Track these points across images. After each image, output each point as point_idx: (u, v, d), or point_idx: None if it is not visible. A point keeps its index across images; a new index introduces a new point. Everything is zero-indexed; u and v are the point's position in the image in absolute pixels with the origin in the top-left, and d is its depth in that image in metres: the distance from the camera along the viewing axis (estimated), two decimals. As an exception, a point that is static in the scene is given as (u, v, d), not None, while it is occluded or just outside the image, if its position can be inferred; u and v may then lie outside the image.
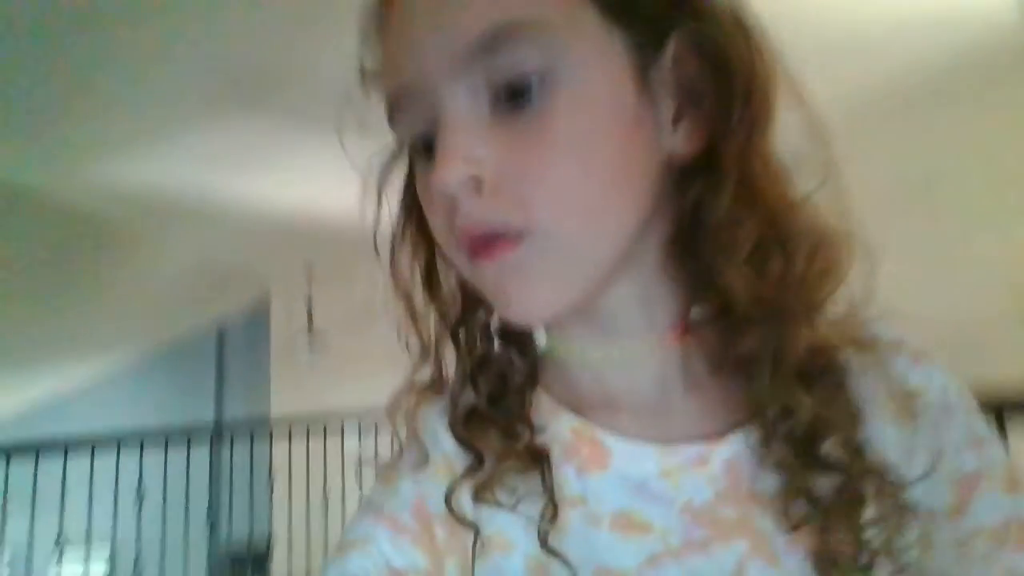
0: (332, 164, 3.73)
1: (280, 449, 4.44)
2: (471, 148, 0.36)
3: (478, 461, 0.43)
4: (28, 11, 2.33)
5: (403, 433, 0.47)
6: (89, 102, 2.90)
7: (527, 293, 0.38)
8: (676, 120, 0.40)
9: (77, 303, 4.71)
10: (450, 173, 0.36)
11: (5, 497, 3.55)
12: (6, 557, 5.56)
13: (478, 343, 0.48)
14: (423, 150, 0.40)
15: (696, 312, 0.44)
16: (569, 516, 0.41)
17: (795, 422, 0.39)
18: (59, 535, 3.69)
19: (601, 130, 0.37)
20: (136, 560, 3.87)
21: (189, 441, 4.20)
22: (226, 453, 4.67)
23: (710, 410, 0.44)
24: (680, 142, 0.40)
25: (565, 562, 0.40)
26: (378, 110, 0.43)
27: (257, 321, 5.94)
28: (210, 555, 4.89)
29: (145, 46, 2.63)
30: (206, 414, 5.58)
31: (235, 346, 6.05)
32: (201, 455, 4.32)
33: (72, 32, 2.48)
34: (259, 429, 4.92)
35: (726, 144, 0.39)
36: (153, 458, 3.94)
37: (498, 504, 0.42)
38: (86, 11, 2.38)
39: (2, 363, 5.35)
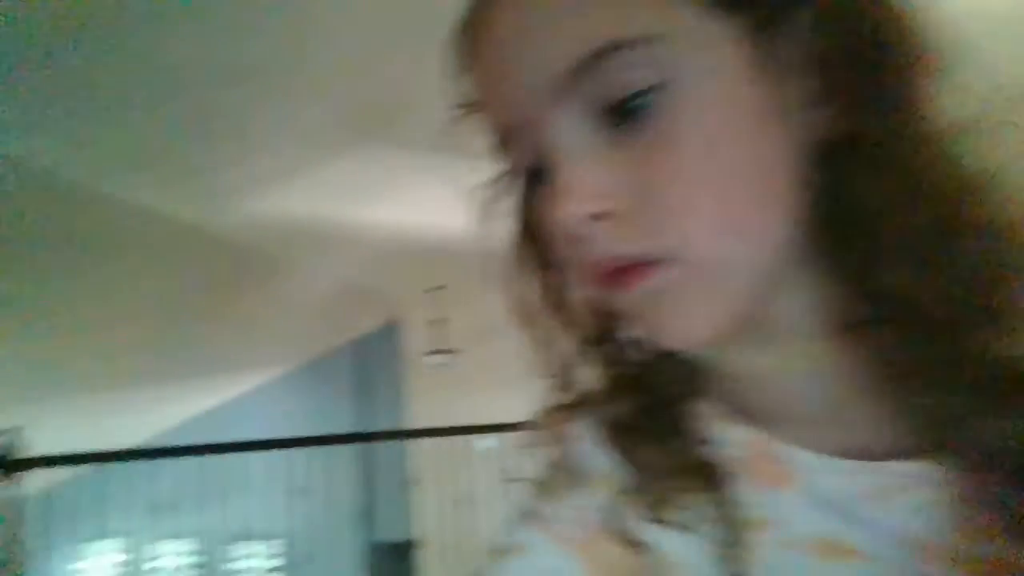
0: (456, 189, 3.88)
1: (419, 458, 4.67)
2: (592, 182, 0.34)
3: (642, 478, 0.40)
4: (187, 73, 2.68)
5: (551, 453, 0.45)
6: (240, 146, 3.25)
7: (680, 318, 0.35)
8: (812, 103, 0.35)
9: (229, 326, 5.25)
10: (573, 209, 0.34)
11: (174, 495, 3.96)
12: (189, 546, 6.32)
13: (623, 353, 0.45)
14: (537, 178, 0.38)
15: (862, 313, 0.38)
16: (756, 540, 0.38)
17: (1009, 447, 0.34)
18: (227, 528, 4.09)
19: (729, 133, 0.34)
20: (289, 551, 4.21)
21: (339, 443, 4.50)
22: (375, 459, 5.00)
23: (892, 423, 0.38)
24: (819, 126, 0.36)
25: None
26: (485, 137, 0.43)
27: (394, 338, 6.32)
28: (365, 548, 5.22)
29: (286, 93, 2.93)
30: (349, 425, 6.02)
31: (375, 362, 6.47)
32: (351, 460, 4.63)
33: (225, 86, 2.81)
34: (397, 438, 5.22)
35: (874, 121, 0.35)
36: (304, 461, 4.28)
37: (671, 524, 0.39)
38: (236, 68, 2.69)
39: (167, 380, 6.07)
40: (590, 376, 0.46)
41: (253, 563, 6.34)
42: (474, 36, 0.38)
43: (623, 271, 0.35)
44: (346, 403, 6.37)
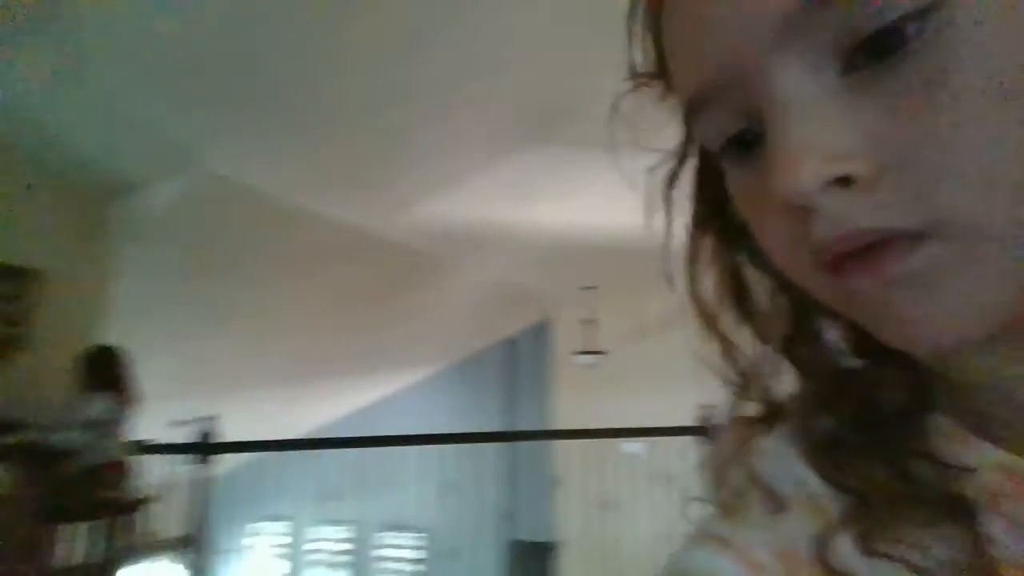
0: (616, 187, 3.89)
1: (564, 457, 4.69)
2: (831, 139, 0.27)
3: (861, 503, 0.34)
4: (363, 97, 2.86)
5: (739, 470, 0.40)
6: (408, 156, 3.42)
7: (935, 313, 0.28)
8: None
9: (394, 325, 5.54)
10: (804, 175, 0.27)
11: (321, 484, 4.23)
12: (347, 532, 6.74)
13: (827, 356, 0.39)
14: (737, 150, 0.32)
15: None
16: None
17: None
18: (381, 517, 4.32)
19: (1021, 57, 0.26)
20: (434, 544, 4.37)
21: (490, 441, 4.62)
22: (518, 457, 5.08)
23: None
24: None
25: None
26: (650, 121, 0.38)
27: (543, 338, 6.39)
28: (506, 546, 5.33)
29: (450, 103, 3.03)
30: (496, 423, 6.16)
31: (523, 360, 6.57)
32: (496, 458, 4.73)
33: (392, 103, 2.98)
34: (542, 436, 5.27)
35: None
36: (453, 456, 4.43)
37: (898, 560, 0.33)
38: (401, 85, 2.84)
39: (344, 374, 6.50)
40: (784, 382, 0.39)
41: (401, 552, 6.67)
42: None
43: (868, 250, 0.28)
44: (496, 401, 6.52)
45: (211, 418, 3.85)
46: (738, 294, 0.40)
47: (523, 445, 5.22)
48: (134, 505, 3.96)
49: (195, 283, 4.21)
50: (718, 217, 0.38)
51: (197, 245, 3.93)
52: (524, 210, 4.15)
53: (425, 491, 4.37)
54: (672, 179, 0.39)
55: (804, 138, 0.27)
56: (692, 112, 0.33)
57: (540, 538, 5.85)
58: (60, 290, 3.77)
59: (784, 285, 0.38)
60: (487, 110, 3.14)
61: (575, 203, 4.00)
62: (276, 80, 2.75)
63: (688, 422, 4.81)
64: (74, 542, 3.48)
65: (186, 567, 3.99)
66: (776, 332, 0.39)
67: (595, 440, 4.56)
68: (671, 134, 0.37)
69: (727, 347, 0.40)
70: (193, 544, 3.92)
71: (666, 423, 4.74)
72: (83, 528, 3.56)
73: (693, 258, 0.40)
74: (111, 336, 3.78)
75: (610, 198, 3.41)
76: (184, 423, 4.01)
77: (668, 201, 0.40)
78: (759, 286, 0.40)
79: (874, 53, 0.26)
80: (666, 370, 6.47)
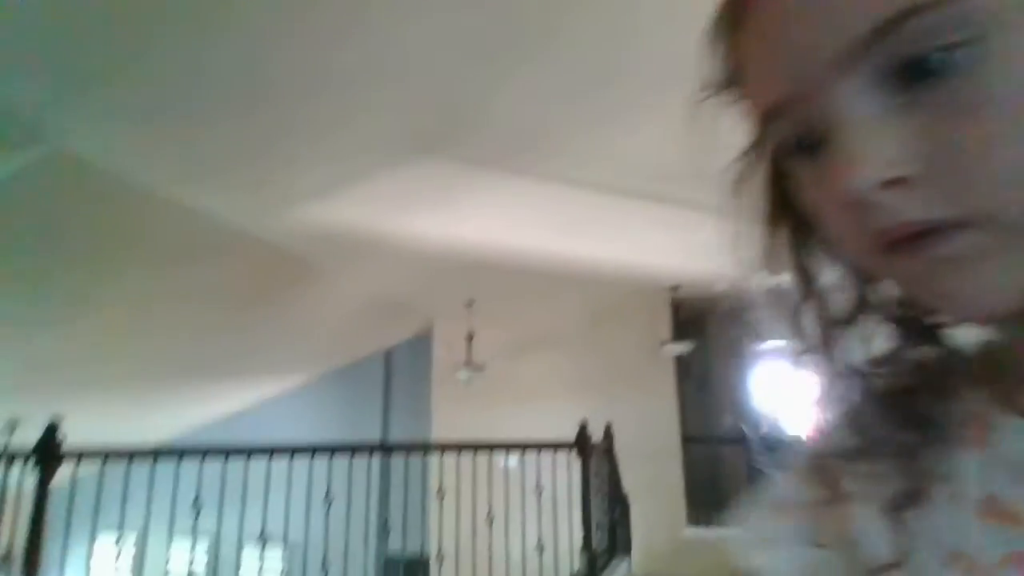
0: (502, 205, 3.95)
1: (441, 468, 4.66)
2: (885, 148, 0.33)
3: (899, 464, 0.41)
4: (245, 84, 2.72)
5: (802, 442, 0.47)
6: (293, 156, 3.30)
7: (972, 287, 0.34)
8: None
9: (268, 328, 5.30)
10: (863, 176, 0.33)
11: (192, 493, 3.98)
12: (202, 546, 6.31)
13: (884, 336, 0.44)
14: (805, 153, 0.37)
15: None
16: (933, 494, 0.38)
17: None
18: (241, 531, 4.11)
19: None
20: (306, 557, 4.21)
21: (366, 453, 4.50)
22: (393, 468, 5.00)
23: None
24: None
25: (905, 535, 0.38)
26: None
27: (421, 349, 6.34)
28: (379, 560, 5.21)
29: (344, 106, 2.96)
30: (373, 431, 6.03)
31: (400, 371, 6.49)
32: (371, 470, 4.62)
33: (281, 99, 2.86)
34: (421, 449, 5.21)
35: None
36: (325, 467, 4.27)
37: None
38: (292, 82, 2.73)
39: (207, 379, 6.13)
40: (843, 359, 0.45)
41: (263, 569, 6.31)
42: (749, 6, 0.37)
43: (916, 236, 0.34)
44: (372, 412, 6.38)
45: (53, 421, 3.49)
46: (807, 276, 0.44)
47: (399, 457, 5.14)
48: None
49: (42, 269, 3.81)
50: (785, 211, 0.43)
51: (44, 227, 3.55)
52: (408, 221, 4.11)
53: (293, 503, 4.18)
54: (742, 179, 0.44)
55: (862, 148, 0.33)
56: (766, 120, 0.38)
57: (415, 553, 5.76)
58: None
59: (846, 265, 0.43)
60: (380, 118, 3.10)
61: (459, 217, 4.02)
62: (154, 61, 2.55)
63: (561, 436, 4.95)
64: None
65: (15, 583, 3.59)
66: (840, 313, 0.44)
67: (472, 453, 4.57)
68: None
69: (796, 326, 0.44)
70: (23, 560, 3.53)
71: (540, 437, 4.85)
72: None
73: (766, 249, 0.44)
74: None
75: (493, 215, 3.46)
76: (17, 425, 3.61)
77: (738, 199, 0.44)
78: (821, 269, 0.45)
79: (920, 75, 0.32)
80: (541, 385, 6.67)
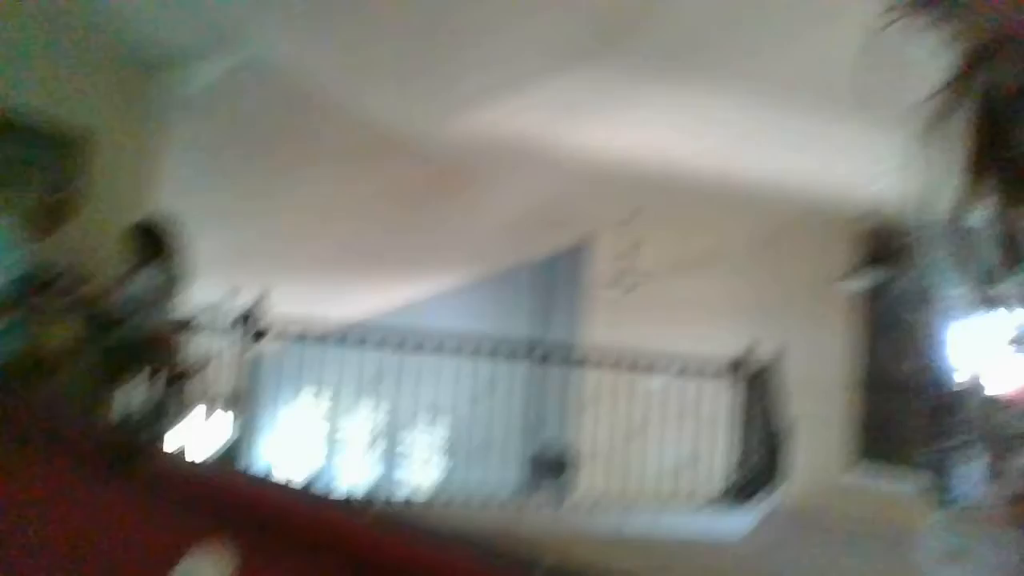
0: (675, 112, 3.73)
1: (591, 382, 4.76)
2: None
3: None
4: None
5: None
6: (466, 59, 3.30)
7: None
8: None
9: (432, 229, 5.56)
10: None
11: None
12: (380, 417, 7.12)
13: None
14: None
15: None
16: None
17: None
18: (410, 410, 4.53)
19: None
20: (458, 443, 4.57)
21: (522, 358, 4.72)
22: (547, 376, 5.20)
23: None
24: None
25: None
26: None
27: (578, 261, 6.35)
28: (525, 456, 5.56)
29: (515, 8, 2.88)
30: (528, 340, 6.26)
31: (560, 281, 6.57)
32: (526, 374, 4.84)
33: (457, 2, 2.83)
34: (573, 361, 5.35)
35: None
36: (485, 365, 4.53)
37: None
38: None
39: (377, 269, 6.63)
40: None
41: (427, 443, 7.05)
42: None
43: None
44: (529, 318, 6.60)
45: (257, 298, 4.00)
46: (1011, 230, 0.41)
47: (552, 365, 5.31)
48: (183, 374, 4.21)
49: (241, 163, 4.25)
50: (996, 156, 0.40)
51: (244, 126, 3.93)
52: (572, 129, 4.01)
53: (456, 395, 4.53)
54: (942, 115, 0.41)
55: None
56: (983, 54, 0.35)
57: (560, 455, 6.05)
58: (109, 159, 3.84)
59: None
60: (553, 18, 2.98)
61: (626, 126, 3.85)
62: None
63: (718, 360, 4.81)
64: (129, 403, 3.75)
65: (232, 431, 4.29)
66: None
67: (623, 369, 4.60)
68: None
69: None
70: (237, 412, 4.19)
71: (696, 359, 4.75)
72: (138, 391, 3.82)
73: (966, 193, 0.41)
74: (160, 209, 3.88)
75: (663, 123, 3.26)
76: (229, 300, 4.19)
77: (936, 137, 0.41)
78: None
79: None
80: (701, 307, 6.42)
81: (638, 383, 4.60)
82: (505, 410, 4.61)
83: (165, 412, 4.01)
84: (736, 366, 4.77)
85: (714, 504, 4.83)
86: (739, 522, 4.70)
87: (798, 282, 6.28)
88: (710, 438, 4.75)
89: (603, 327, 6.11)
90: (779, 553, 4.51)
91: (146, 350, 3.70)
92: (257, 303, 4.00)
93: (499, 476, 4.96)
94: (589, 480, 4.83)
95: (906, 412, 6.26)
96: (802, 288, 6.27)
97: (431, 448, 7.12)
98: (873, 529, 5.09)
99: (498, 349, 4.62)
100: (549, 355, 5.21)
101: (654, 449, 4.64)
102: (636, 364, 4.63)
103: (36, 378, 3.21)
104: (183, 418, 4.30)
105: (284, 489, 1.20)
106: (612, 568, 0.88)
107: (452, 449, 6.39)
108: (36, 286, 3.17)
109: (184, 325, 4.01)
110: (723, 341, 5.07)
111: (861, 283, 5.92)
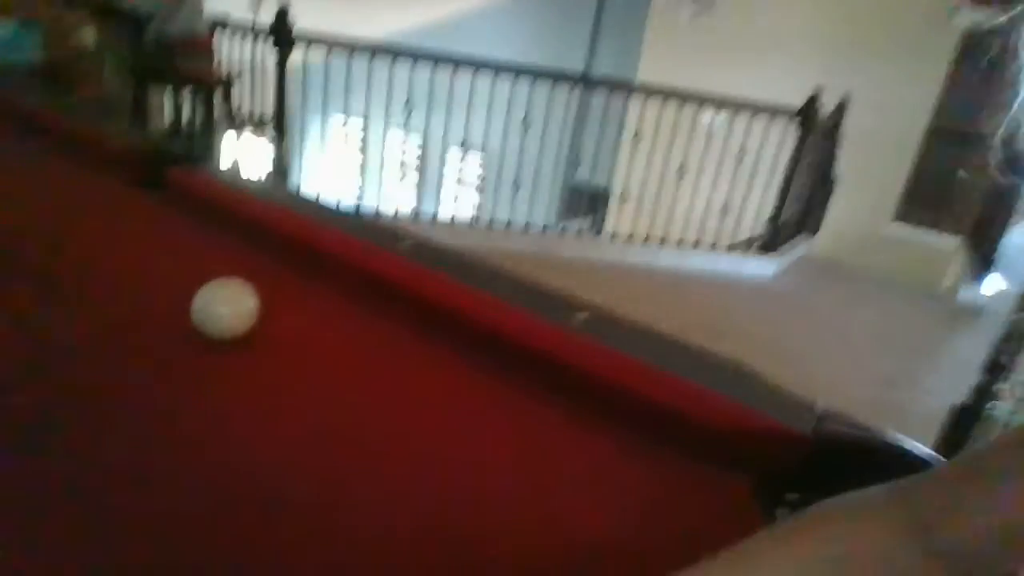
0: None
1: (640, 112, 4.52)
2: None
3: None
4: None
5: None
6: None
7: None
8: None
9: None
10: None
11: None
12: (413, 141, 7.05)
13: None
14: None
15: None
16: None
17: None
18: (446, 134, 4.44)
19: None
20: (501, 169, 4.55)
21: (568, 83, 4.43)
22: (592, 102, 4.93)
23: None
24: None
25: None
26: None
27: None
28: (565, 182, 5.57)
29: None
30: (576, 62, 5.80)
31: (614, 1, 5.89)
32: (569, 100, 4.59)
33: None
34: (625, 88, 5.02)
35: None
36: (526, 89, 4.29)
37: None
38: None
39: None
40: None
41: (464, 171, 7.05)
42: None
43: None
44: (578, 40, 6.07)
45: (283, 7, 3.69)
46: None
47: (598, 91, 5.00)
48: (219, 80, 4.08)
49: None
50: None
51: None
52: None
53: (494, 118, 4.36)
54: None
55: None
56: None
57: (599, 186, 6.03)
58: None
59: None
60: None
61: None
62: None
63: (782, 100, 4.46)
64: (171, 110, 3.70)
65: (269, 142, 4.30)
66: None
67: (676, 101, 4.32)
68: None
69: None
70: (275, 123, 4.14)
71: (758, 97, 4.40)
72: (176, 98, 3.74)
73: None
74: None
75: None
76: (259, 5, 3.87)
77: None
78: None
79: None
80: (777, 37, 5.78)
81: (688, 120, 4.35)
82: (546, 137, 4.47)
83: (205, 122, 3.98)
84: (800, 112, 4.44)
85: (743, 249, 4.90)
86: (765, 267, 4.81)
87: (898, 14, 5.52)
88: (761, 184, 4.62)
89: (660, 56, 5.61)
90: (795, 294, 4.68)
91: (179, 53, 3.55)
92: (283, 11, 3.70)
93: (538, 199, 5.01)
94: (623, 211, 4.85)
95: (963, 176, 5.97)
96: (901, 22, 5.53)
97: (466, 177, 7.14)
98: (901, 280, 5.19)
99: (543, 73, 4.33)
100: (598, 83, 4.89)
101: (698, 189, 4.57)
102: (694, 98, 4.33)
103: (70, 81, 3.14)
104: (223, 131, 4.29)
105: (320, 211, 1.17)
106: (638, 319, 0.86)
107: (491, 174, 6.40)
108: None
109: (213, 28, 3.79)
110: (789, 86, 4.66)
111: (977, 18, 5.17)
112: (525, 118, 4.25)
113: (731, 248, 4.82)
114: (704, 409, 0.70)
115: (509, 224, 4.44)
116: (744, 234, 4.89)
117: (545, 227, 4.71)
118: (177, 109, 3.84)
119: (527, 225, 4.49)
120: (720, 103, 4.37)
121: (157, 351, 0.76)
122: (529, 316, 0.84)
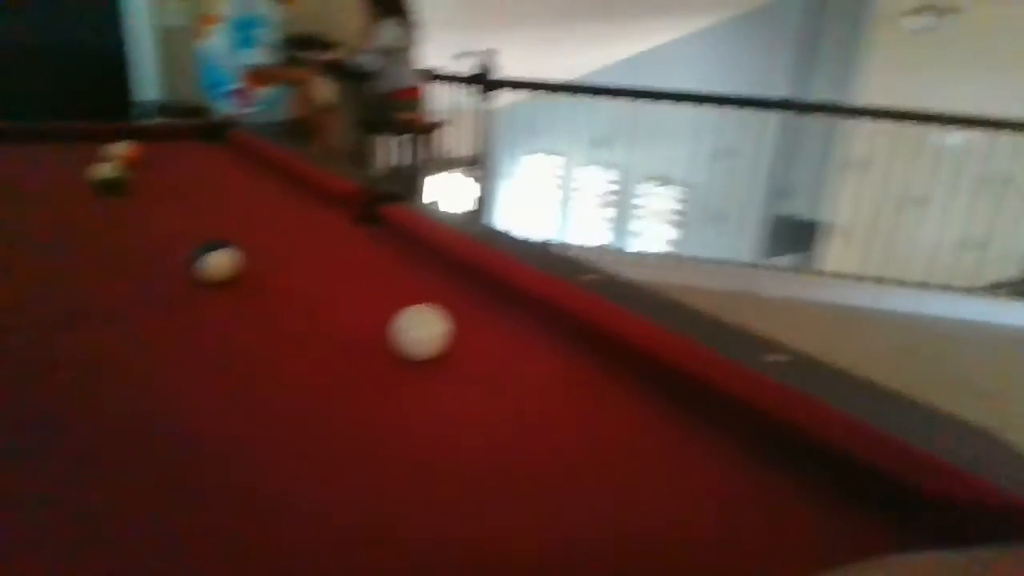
0: None
1: (861, 137, 4.12)
2: None
3: None
4: None
5: None
6: None
7: None
8: None
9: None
10: None
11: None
12: (612, 175, 7.11)
13: None
14: None
15: None
16: None
17: None
18: (645, 167, 4.38)
19: None
20: (697, 201, 4.39)
21: (775, 109, 4.19)
22: (802, 128, 4.60)
23: None
24: None
25: None
26: None
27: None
28: (769, 218, 5.22)
29: None
30: (782, 86, 5.45)
31: (831, 16, 5.45)
32: (779, 128, 4.33)
33: None
34: (841, 111, 4.61)
35: None
36: (729, 118, 4.11)
37: None
38: None
39: (615, 16, 6.04)
40: None
41: (662, 203, 6.95)
42: None
43: None
44: (788, 63, 5.73)
45: (490, 52, 3.94)
46: None
47: (812, 117, 4.65)
48: (430, 127, 4.46)
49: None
50: None
51: None
52: None
53: (696, 150, 4.25)
54: None
55: None
56: None
57: (808, 218, 5.56)
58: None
59: None
60: None
61: None
62: None
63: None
64: (387, 154, 4.11)
65: (475, 181, 4.60)
66: None
67: (904, 122, 3.86)
68: None
69: None
70: (480, 164, 4.42)
71: (1007, 114, 3.79)
72: (392, 143, 4.15)
73: None
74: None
75: None
76: (466, 55, 4.18)
77: None
78: None
79: None
80: (1019, 52, 4.96)
81: (925, 142, 3.87)
82: (753, 168, 4.24)
83: (416, 165, 4.36)
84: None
85: (997, 292, 4.19)
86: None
87: None
88: (1012, 214, 3.96)
89: (882, 73, 5.07)
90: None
91: (396, 103, 3.94)
92: (488, 56, 3.95)
93: (741, 234, 4.76)
94: (843, 247, 4.41)
95: None
96: None
97: (670, 207, 7.00)
98: None
99: (749, 102, 4.14)
100: (809, 107, 4.54)
101: (934, 221, 4.02)
102: (924, 117, 3.85)
103: (310, 134, 3.62)
104: (432, 172, 4.66)
105: (520, 247, 1.21)
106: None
107: (692, 207, 6.21)
108: (297, 47, 3.42)
109: (426, 78, 4.15)
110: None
111: None
112: (728, 147, 4.08)
113: (977, 291, 4.15)
114: (935, 482, 0.58)
115: (708, 260, 4.26)
116: (990, 276, 4.19)
117: (748, 263, 4.44)
118: (391, 153, 4.26)
119: (725, 261, 4.27)
120: (957, 120, 3.83)
121: (369, 369, 0.82)
122: (712, 354, 0.78)
